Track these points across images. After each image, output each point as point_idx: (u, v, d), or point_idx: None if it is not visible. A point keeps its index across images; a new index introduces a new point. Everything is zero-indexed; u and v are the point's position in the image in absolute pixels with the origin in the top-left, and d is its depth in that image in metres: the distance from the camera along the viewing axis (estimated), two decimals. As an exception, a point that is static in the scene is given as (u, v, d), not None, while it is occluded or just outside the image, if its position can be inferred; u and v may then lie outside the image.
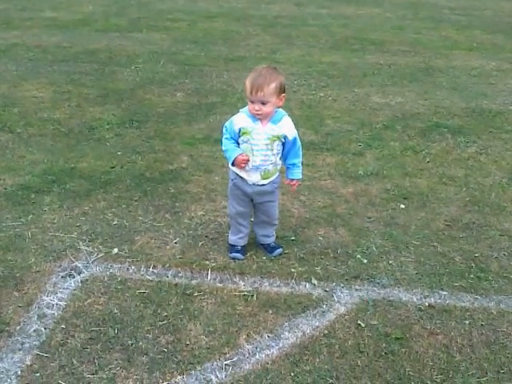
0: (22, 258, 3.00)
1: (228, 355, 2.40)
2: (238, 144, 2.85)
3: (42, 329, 2.51)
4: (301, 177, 3.00)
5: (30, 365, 2.31)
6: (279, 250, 3.11)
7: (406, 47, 8.36)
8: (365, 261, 3.09)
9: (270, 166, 2.87)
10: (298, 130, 2.89)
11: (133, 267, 2.96)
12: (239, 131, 2.80)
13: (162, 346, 2.44)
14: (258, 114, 2.74)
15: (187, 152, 4.42)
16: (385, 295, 2.82)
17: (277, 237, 3.18)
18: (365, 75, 6.82)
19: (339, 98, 5.89)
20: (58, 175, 3.93)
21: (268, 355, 2.41)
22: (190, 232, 3.30)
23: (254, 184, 2.92)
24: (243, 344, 2.47)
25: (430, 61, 7.60)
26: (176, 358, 2.38)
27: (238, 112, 2.85)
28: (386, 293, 2.84)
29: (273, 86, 2.67)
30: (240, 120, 2.81)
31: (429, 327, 2.61)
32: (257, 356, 2.41)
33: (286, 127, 2.82)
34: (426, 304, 2.76)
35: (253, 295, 2.76)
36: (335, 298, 2.78)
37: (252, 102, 2.71)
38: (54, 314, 2.60)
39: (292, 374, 2.32)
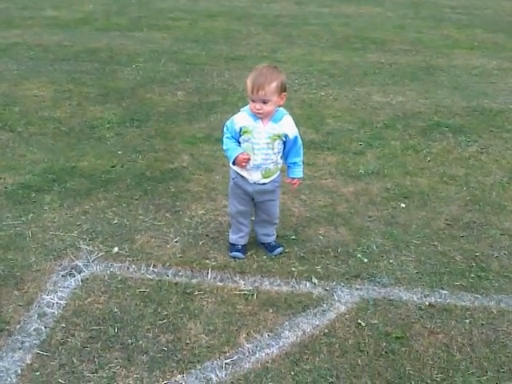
0: (22, 256, 3.00)
1: (228, 354, 2.40)
2: (239, 143, 2.85)
3: (43, 328, 2.51)
4: (302, 175, 3.00)
5: (30, 364, 2.31)
6: (280, 249, 3.11)
7: (407, 46, 8.35)
8: (365, 260, 3.08)
9: (271, 164, 2.87)
10: (298, 129, 2.89)
11: (133, 266, 2.96)
12: (240, 130, 2.80)
13: (162, 344, 2.44)
14: (259, 113, 2.73)
15: (188, 151, 4.42)
16: (385, 294, 2.82)
17: (277, 236, 3.18)
18: (366, 74, 6.81)
19: (340, 97, 5.88)
20: (59, 174, 3.93)
21: (268, 354, 2.41)
22: (191, 231, 3.30)
23: (254, 183, 2.92)
24: (243, 343, 2.47)
25: (430, 60, 7.60)
26: (176, 356, 2.38)
27: (239, 111, 2.85)
28: (386, 292, 2.84)
29: (274, 84, 2.67)
30: (241, 119, 2.81)
31: (429, 326, 2.61)
32: (257, 355, 2.40)
33: (287, 126, 2.82)
34: (427, 303, 2.76)
35: (253, 294, 2.76)
36: (335, 297, 2.78)
37: (253, 101, 2.71)
38: (54, 312, 2.60)
39: (292, 373, 2.31)
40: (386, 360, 2.40)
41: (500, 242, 3.32)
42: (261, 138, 2.79)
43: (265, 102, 2.69)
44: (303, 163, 2.99)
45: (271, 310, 2.66)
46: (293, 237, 3.27)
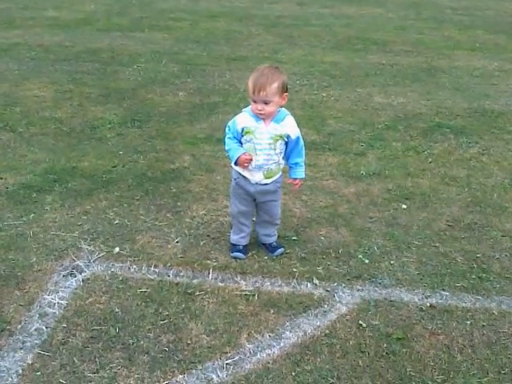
0: (23, 256, 3.00)
1: (229, 354, 2.40)
2: (241, 143, 2.85)
3: (44, 328, 2.51)
4: (304, 176, 3.01)
5: (31, 363, 2.31)
6: (281, 250, 3.11)
7: (409, 47, 8.35)
8: (366, 261, 3.08)
9: (273, 165, 2.87)
10: (300, 130, 2.89)
11: (134, 266, 2.96)
12: (242, 131, 2.80)
13: (163, 345, 2.44)
14: (260, 114, 2.74)
15: (189, 151, 4.42)
16: (386, 295, 2.82)
17: (278, 236, 3.18)
18: (367, 75, 6.81)
19: (341, 98, 5.88)
20: (60, 174, 3.94)
21: (269, 355, 2.41)
22: (192, 231, 3.30)
23: (256, 183, 2.91)
24: (244, 343, 2.46)
25: (432, 61, 7.59)
26: (177, 357, 2.38)
27: (241, 111, 2.85)
28: (387, 293, 2.84)
29: (275, 85, 2.67)
30: (243, 119, 2.81)
31: (430, 327, 2.60)
32: (258, 355, 2.40)
33: (289, 126, 2.82)
34: (428, 304, 2.76)
35: (254, 295, 2.76)
36: (337, 297, 2.78)
37: (255, 102, 2.71)
38: (55, 312, 2.60)
39: (293, 374, 2.31)
40: (387, 361, 2.40)
41: (501, 243, 3.32)
42: (263, 139, 2.79)
43: (266, 103, 2.69)
44: (305, 164, 2.99)
45: (272, 311, 2.66)
46: (294, 237, 3.27)
